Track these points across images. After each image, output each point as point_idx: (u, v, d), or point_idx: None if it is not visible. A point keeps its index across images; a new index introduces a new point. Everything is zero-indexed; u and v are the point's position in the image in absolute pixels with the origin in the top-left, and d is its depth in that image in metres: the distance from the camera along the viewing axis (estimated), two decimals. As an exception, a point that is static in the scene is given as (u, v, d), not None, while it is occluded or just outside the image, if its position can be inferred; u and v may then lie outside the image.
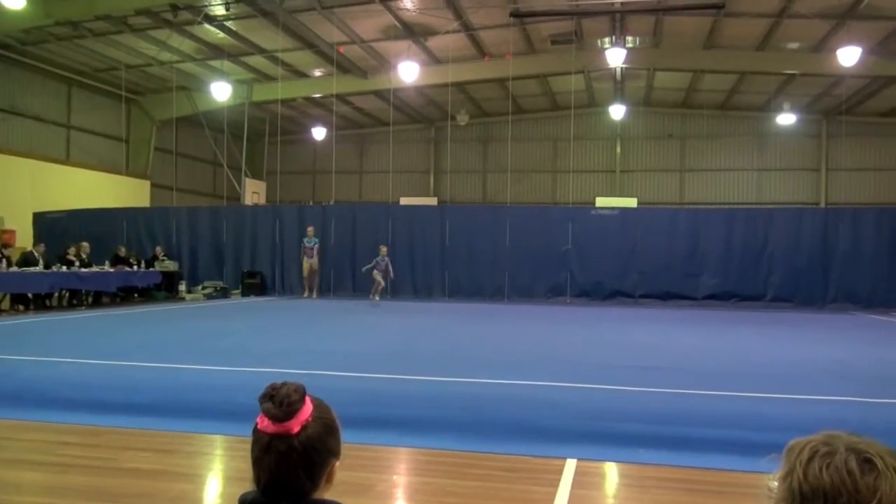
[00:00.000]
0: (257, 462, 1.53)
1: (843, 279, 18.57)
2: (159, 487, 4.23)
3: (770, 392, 6.38)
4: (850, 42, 17.82)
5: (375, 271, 18.00)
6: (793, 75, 22.53)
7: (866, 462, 1.17)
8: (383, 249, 18.19)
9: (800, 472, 1.20)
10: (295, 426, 1.51)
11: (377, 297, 17.85)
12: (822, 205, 26.14)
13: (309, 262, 19.36)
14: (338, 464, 1.59)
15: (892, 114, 25.90)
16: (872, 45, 18.91)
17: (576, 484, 4.33)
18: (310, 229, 19.37)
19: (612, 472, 4.86)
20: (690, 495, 4.37)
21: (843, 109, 25.09)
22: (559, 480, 4.36)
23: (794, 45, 20.59)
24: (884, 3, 16.91)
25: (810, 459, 1.20)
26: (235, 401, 5.19)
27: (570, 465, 4.65)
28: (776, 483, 1.25)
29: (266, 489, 1.52)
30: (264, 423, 1.52)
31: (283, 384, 1.55)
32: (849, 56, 17.88)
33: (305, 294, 19.36)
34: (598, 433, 5.30)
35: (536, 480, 4.48)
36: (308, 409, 1.54)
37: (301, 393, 1.54)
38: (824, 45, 19.62)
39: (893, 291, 18.19)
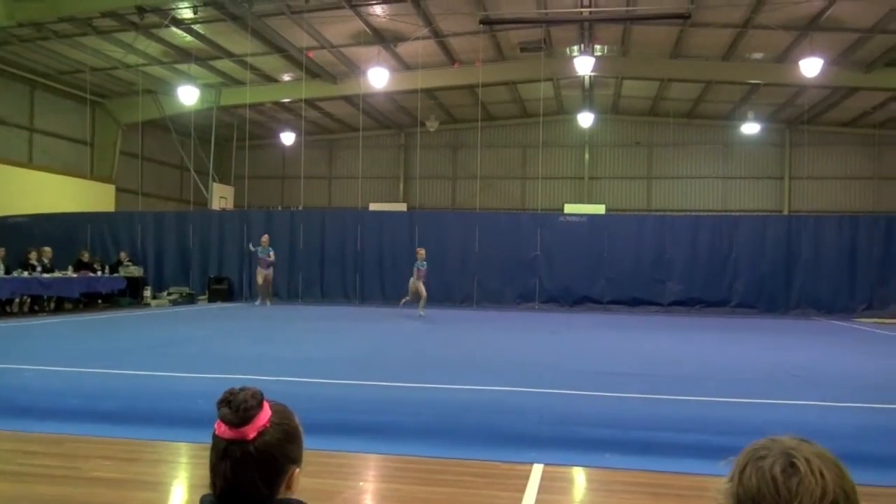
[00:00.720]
0: (214, 468, 1.51)
1: (806, 285, 18.91)
2: (123, 496, 4.19)
3: (735, 397, 6.46)
4: (812, 53, 18.16)
5: (414, 280, 16.47)
6: (757, 85, 22.92)
7: (791, 466, 1.21)
8: (421, 252, 16.67)
9: (737, 476, 1.26)
10: (251, 432, 1.49)
11: (422, 311, 16.17)
12: (786, 212, 26.56)
13: (263, 273, 18.29)
14: (298, 471, 1.57)
15: (853, 124, 26.46)
16: (834, 57, 19.31)
17: (542, 489, 4.35)
18: (264, 238, 18.41)
19: (578, 477, 4.89)
20: (657, 499, 4.42)
21: (805, 119, 25.60)
22: (526, 486, 4.37)
23: (758, 56, 20.93)
24: (845, 15, 17.28)
25: (745, 465, 1.26)
26: (200, 408, 5.11)
27: (538, 470, 4.68)
28: (725, 483, 1.29)
29: (222, 496, 1.50)
30: (221, 429, 1.50)
31: (241, 389, 1.53)
32: (811, 67, 18.22)
33: (258, 303, 18.32)
34: (565, 438, 5.32)
35: (504, 486, 4.48)
36: (266, 415, 1.52)
37: (258, 399, 1.53)
38: (787, 56, 19.97)
39: (853, 297, 18.59)
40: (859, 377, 8.08)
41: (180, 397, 6.08)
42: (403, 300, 16.75)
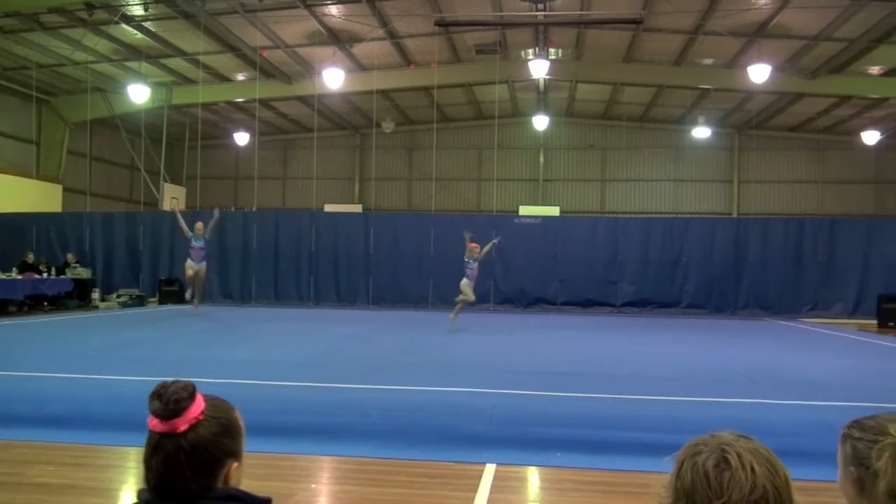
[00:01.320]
0: (146, 463, 1.50)
1: (753, 286, 19.35)
2: (68, 502, 4.14)
3: (683, 395, 6.59)
4: (760, 59, 18.52)
5: (466, 281, 13.66)
6: (707, 90, 23.32)
7: (723, 461, 1.26)
8: (474, 248, 13.68)
9: (677, 471, 1.32)
10: (182, 424, 1.48)
11: (455, 318, 13.77)
12: (735, 215, 27.10)
13: (195, 267, 15.50)
14: (236, 465, 1.54)
15: (799, 129, 27.09)
16: (781, 63, 19.75)
17: (495, 488, 4.38)
18: (198, 225, 15.73)
19: (530, 476, 4.92)
20: (607, 497, 4.46)
21: (753, 124, 26.18)
22: (478, 485, 4.41)
23: (708, 62, 21.32)
24: (791, 22, 17.69)
25: (684, 461, 1.31)
26: (146, 412, 4.99)
27: (490, 469, 4.71)
28: (668, 477, 1.35)
29: (156, 490, 1.49)
30: (153, 423, 1.50)
31: (173, 382, 1.52)
32: (758, 73, 18.57)
33: (188, 296, 15.84)
34: (517, 438, 5.36)
35: (456, 486, 4.51)
36: (198, 407, 1.51)
37: (189, 391, 1.51)
38: (736, 62, 20.37)
39: (799, 298, 19.08)
40: (802, 376, 8.29)
41: (128, 401, 5.87)
42: (455, 313, 13.91)
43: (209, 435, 1.50)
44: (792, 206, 27.26)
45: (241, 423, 1.60)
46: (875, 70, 20.50)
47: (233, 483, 1.55)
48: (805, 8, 16.58)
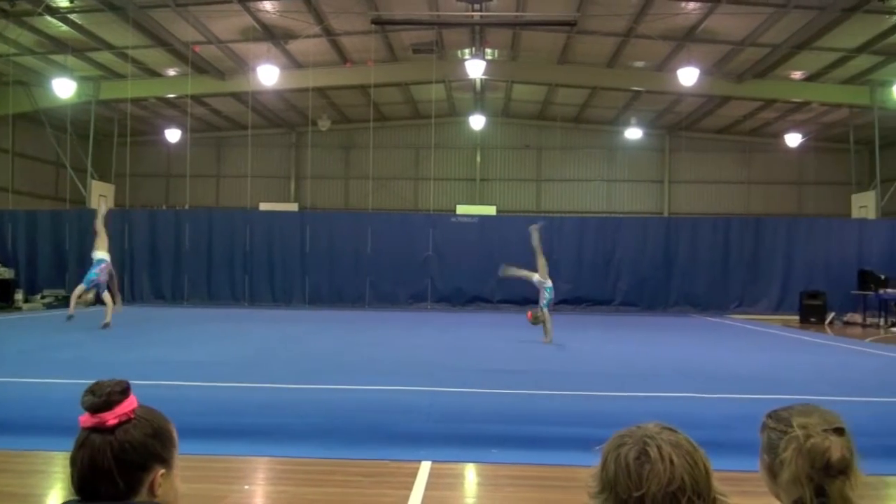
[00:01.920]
0: (73, 459, 1.47)
1: (684, 284, 19.90)
2: None
3: (616, 391, 6.75)
4: (689, 63, 18.94)
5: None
6: (639, 92, 23.75)
7: (643, 453, 1.30)
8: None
9: (602, 462, 1.36)
10: (111, 419, 1.46)
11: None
12: (666, 214, 27.71)
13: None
14: (163, 472, 1.51)
15: (726, 131, 27.84)
16: (709, 66, 20.26)
17: (430, 486, 4.41)
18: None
19: (466, 473, 4.97)
20: (541, 491, 4.51)
21: (683, 126, 26.82)
22: (414, 483, 4.43)
23: (640, 64, 21.72)
24: (719, 28, 18.14)
25: (608, 452, 1.35)
26: (74, 415, 4.87)
27: (426, 467, 4.73)
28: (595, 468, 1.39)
29: (80, 490, 1.46)
30: (83, 418, 1.48)
31: (109, 380, 1.52)
32: (688, 76, 18.98)
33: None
34: (453, 435, 5.41)
35: (392, 484, 4.53)
36: (130, 405, 1.50)
37: (122, 387, 1.50)
38: (666, 65, 20.82)
39: (727, 295, 19.71)
40: (729, 370, 8.56)
41: (53, 405, 5.73)
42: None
43: (139, 435, 1.48)
44: (720, 205, 28.03)
45: (175, 434, 1.59)
46: (797, 75, 21.24)
47: (160, 493, 1.51)
48: (732, 14, 17.03)
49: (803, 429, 1.58)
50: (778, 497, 1.62)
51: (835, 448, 1.56)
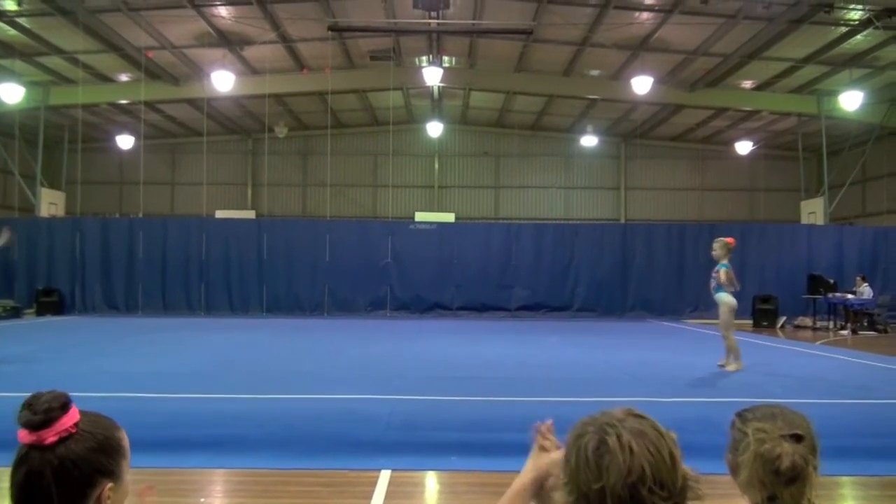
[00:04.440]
0: (11, 478, 1.41)
1: (640, 289, 20.15)
2: None
3: (574, 396, 6.79)
4: (643, 72, 19.26)
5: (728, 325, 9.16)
6: (594, 100, 24.06)
7: (603, 443, 1.26)
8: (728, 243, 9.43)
9: (565, 453, 1.33)
10: (50, 436, 1.40)
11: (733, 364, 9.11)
12: (622, 221, 28.13)
13: None
14: (110, 486, 1.45)
15: (680, 139, 28.39)
16: (662, 76, 20.66)
17: (389, 494, 4.39)
18: None
19: (425, 481, 4.95)
20: (500, 498, 4.49)
21: (638, 133, 27.24)
22: (373, 492, 4.40)
23: (595, 73, 22.02)
24: (672, 37, 18.51)
25: (571, 440, 1.32)
26: (14, 430, 4.72)
27: (385, 476, 4.71)
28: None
29: None
30: (21, 434, 1.42)
31: (47, 392, 1.45)
32: (641, 84, 19.27)
33: None
34: (412, 443, 5.38)
35: (351, 493, 4.49)
36: (70, 419, 1.43)
37: (62, 401, 1.44)
38: (621, 74, 21.13)
39: (681, 300, 19.98)
40: (684, 374, 8.68)
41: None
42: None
43: (81, 450, 1.41)
44: (674, 212, 28.50)
45: (125, 443, 1.51)
46: (747, 84, 21.77)
47: None
48: (684, 24, 17.38)
49: (760, 433, 1.57)
50: (744, 493, 1.62)
51: (786, 455, 1.54)
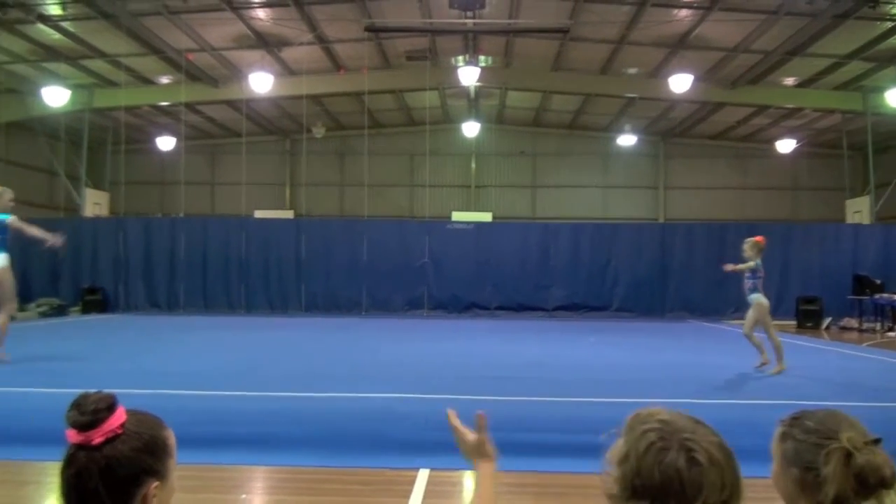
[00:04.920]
0: (61, 476, 1.45)
1: (680, 289, 19.93)
2: None
3: (614, 396, 6.69)
4: (682, 69, 19.12)
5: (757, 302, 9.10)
6: (633, 99, 23.85)
7: (692, 460, 1.22)
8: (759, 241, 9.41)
9: (634, 463, 1.25)
10: (97, 437, 1.43)
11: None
12: (661, 220, 27.87)
13: None
14: (156, 485, 1.48)
15: (720, 137, 27.99)
16: (702, 73, 20.40)
17: (428, 493, 4.40)
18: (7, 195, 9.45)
19: (463, 480, 4.93)
20: (539, 499, 4.51)
21: (677, 132, 26.99)
22: (412, 491, 4.41)
23: (633, 71, 21.83)
24: (711, 35, 18.27)
25: (645, 453, 1.25)
26: (62, 425, 4.86)
27: (423, 475, 4.72)
28: (613, 463, 1.29)
29: None
30: (70, 433, 1.46)
31: (94, 393, 1.49)
32: (681, 82, 19.14)
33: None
34: (450, 443, 5.28)
35: (390, 492, 4.52)
36: (117, 420, 1.46)
37: (108, 402, 1.47)
38: (660, 72, 20.94)
39: (722, 300, 19.65)
40: (724, 376, 8.58)
41: (48, 415, 5.65)
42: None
43: (127, 451, 1.45)
44: (714, 211, 28.06)
45: (171, 442, 1.55)
46: (790, 81, 21.39)
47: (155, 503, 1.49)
48: (723, 21, 17.13)
49: (850, 442, 1.44)
50: None
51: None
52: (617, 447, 1.30)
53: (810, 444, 1.49)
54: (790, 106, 23.02)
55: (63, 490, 1.45)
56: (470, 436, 1.92)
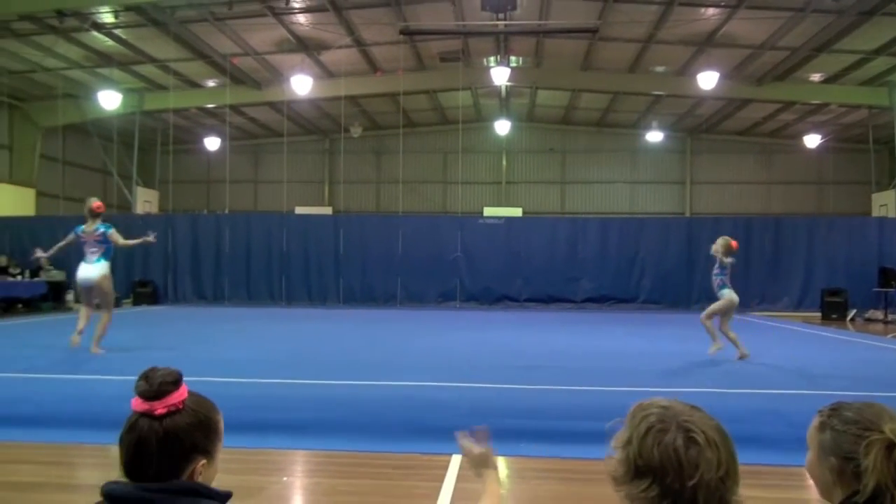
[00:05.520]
0: (121, 440, 1.51)
1: (706, 282, 19.85)
2: (43, 499, 4.17)
3: (641, 385, 6.76)
4: (709, 67, 19.22)
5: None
6: (660, 96, 24.03)
7: (690, 440, 1.27)
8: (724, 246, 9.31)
9: (636, 446, 1.30)
10: (160, 408, 1.49)
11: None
12: (687, 215, 27.91)
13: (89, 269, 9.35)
14: (204, 463, 1.54)
15: (746, 133, 27.98)
16: (728, 70, 20.51)
17: (460, 478, 4.45)
18: (95, 205, 9.64)
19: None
20: (566, 483, 4.62)
21: (704, 128, 27.00)
22: (445, 475, 4.50)
23: (660, 69, 21.99)
24: (738, 32, 18.38)
25: (645, 435, 1.30)
26: (122, 410, 5.10)
27: (456, 460, 4.77)
28: (617, 447, 1.36)
29: (126, 470, 1.50)
30: (135, 402, 1.51)
31: (163, 368, 1.56)
32: (708, 80, 19.27)
33: (78, 331, 9.21)
34: None
35: (423, 476, 4.60)
36: (180, 395, 1.52)
37: (175, 377, 1.54)
38: (687, 70, 21.10)
39: (747, 293, 19.58)
40: (750, 366, 8.62)
41: (102, 400, 5.82)
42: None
43: (184, 425, 1.50)
44: (740, 206, 28.14)
45: (221, 426, 1.59)
46: (816, 77, 21.43)
47: (199, 480, 1.53)
48: (750, 19, 17.28)
49: (893, 434, 1.41)
50: (829, 498, 1.52)
51: None
52: (620, 433, 1.35)
53: (850, 434, 1.47)
54: (816, 102, 23.03)
55: (122, 453, 1.50)
56: (476, 449, 2.01)
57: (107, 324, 9.23)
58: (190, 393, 1.56)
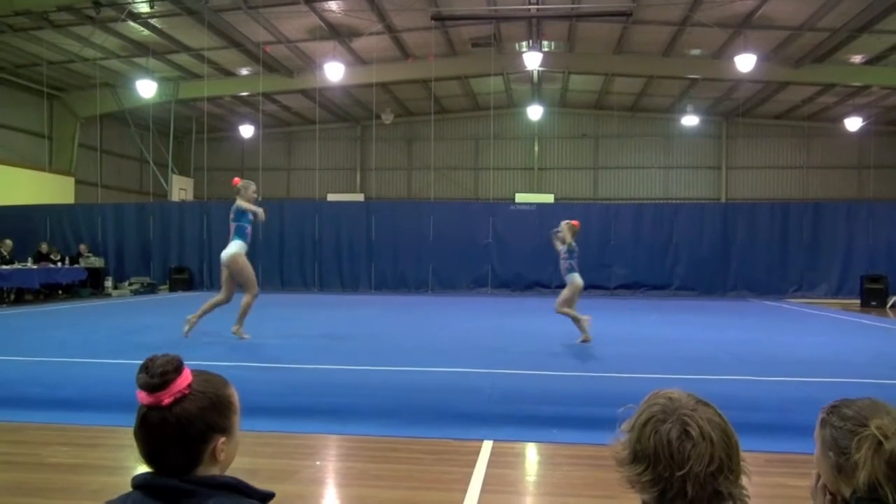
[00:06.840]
0: (136, 435, 1.51)
1: (741, 268, 19.91)
2: (80, 480, 4.22)
3: (673, 373, 6.76)
4: (746, 49, 18.91)
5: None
6: (695, 80, 23.73)
7: (685, 433, 1.31)
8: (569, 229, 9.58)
9: (636, 432, 1.37)
10: (166, 398, 1.47)
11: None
12: (723, 200, 27.56)
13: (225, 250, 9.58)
14: (223, 440, 1.53)
15: (784, 116, 27.55)
16: (766, 53, 20.19)
17: (492, 464, 4.53)
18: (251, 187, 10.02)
19: (526, 452, 5.10)
20: (598, 470, 4.54)
21: (740, 112, 26.58)
22: (476, 461, 4.56)
23: (696, 52, 21.71)
24: (776, 13, 18.09)
25: (645, 423, 1.36)
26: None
27: (487, 446, 4.88)
28: (625, 431, 1.42)
29: (147, 462, 1.51)
30: (140, 395, 1.50)
31: (161, 356, 1.53)
32: (745, 63, 18.96)
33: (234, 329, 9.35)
34: (513, 416, 5.53)
35: (455, 461, 4.62)
36: (184, 381, 1.50)
37: (175, 364, 1.51)
38: (723, 52, 20.80)
39: (784, 279, 19.65)
40: (787, 354, 8.51)
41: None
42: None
43: (195, 409, 1.49)
44: (777, 191, 27.77)
45: (234, 399, 1.58)
46: (857, 59, 20.99)
47: (221, 458, 1.53)
48: (789, 0, 17.01)
49: (879, 430, 1.47)
50: (838, 490, 1.56)
51: None
52: (629, 418, 1.42)
53: (846, 430, 1.52)
54: (857, 84, 22.57)
55: (139, 446, 1.50)
56: None
57: (249, 304, 9.27)
58: (195, 374, 1.54)
